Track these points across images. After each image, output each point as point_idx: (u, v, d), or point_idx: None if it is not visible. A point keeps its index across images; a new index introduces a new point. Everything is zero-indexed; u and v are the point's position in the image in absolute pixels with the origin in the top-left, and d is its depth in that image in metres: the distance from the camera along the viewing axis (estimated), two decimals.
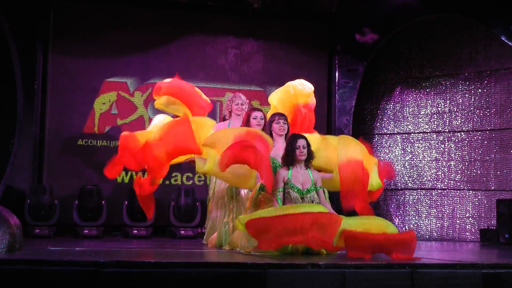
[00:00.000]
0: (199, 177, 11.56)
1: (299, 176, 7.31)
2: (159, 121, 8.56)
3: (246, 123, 8.03)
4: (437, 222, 11.81)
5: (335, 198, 8.63)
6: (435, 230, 11.80)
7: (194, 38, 11.92)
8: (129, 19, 11.66)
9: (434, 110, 12.04)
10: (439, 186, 11.88)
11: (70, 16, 11.37)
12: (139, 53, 11.65)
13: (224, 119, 9.00)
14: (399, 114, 12.33)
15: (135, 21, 11.67)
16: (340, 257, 6.75)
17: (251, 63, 12.15)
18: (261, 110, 8.21)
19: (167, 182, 11.52)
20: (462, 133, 11.78)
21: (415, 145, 12.14)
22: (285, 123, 7.78)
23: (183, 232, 10.44)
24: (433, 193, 11.92)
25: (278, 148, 7.62)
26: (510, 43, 11.12)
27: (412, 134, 12.17)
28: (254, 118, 8.01)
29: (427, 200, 11.96)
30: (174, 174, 11.53)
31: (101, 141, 11.38)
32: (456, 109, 11.86)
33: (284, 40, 12.29)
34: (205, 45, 11.96)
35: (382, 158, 12.30)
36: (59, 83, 11.26)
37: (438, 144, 11.97)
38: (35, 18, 11.10)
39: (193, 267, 5.60)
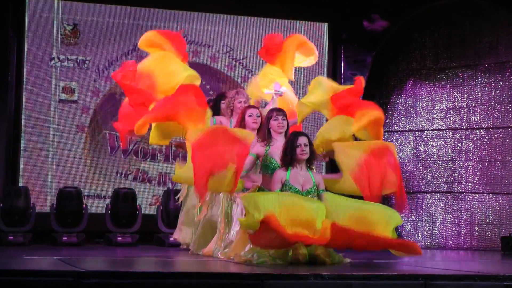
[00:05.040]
0: None
1: (299, 177, 7.31)
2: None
3: (242, 121, 8.09)
4: (454, 228, 11.82)
5: None
6: (451, 238, 11.81)
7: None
8: (112, 2, 11.69)
9: (450, 105, 12.05)
10: (455, 189, 11.89)
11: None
12: (124, 39, 11.67)
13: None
14: (411, 109, 12.33)
15: (119, 4, 11.71)
16: (346, 267, 6.77)
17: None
18: (256, 107, 8.26)
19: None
20: (481, 131, 11.79)
21: (429, 143, 12.15)
22: (284, 119, 7.78)
23: (172, 239, 10.42)
24: (449, 196, 11.93)
25: (277, 147, 7.63)
26: None
27: (425, 131, 12.18)
28: (250, 116, 8.06)
29: (442, 205, 11.97)
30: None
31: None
32: (475, 104, 11.87)
33: (284, 27, 12.30)
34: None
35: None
36: (36, 75, 11.26)
37: (454, 143, 11.97)
38: (7, 2, 11.09)
39: (184, 278, 5.60)
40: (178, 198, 9.28)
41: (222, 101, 8.90)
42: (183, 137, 7.95)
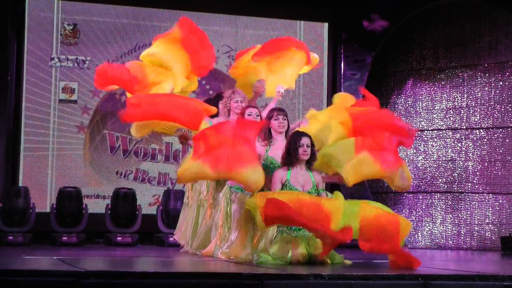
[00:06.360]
0: None
1: (299, 177, 7.29)
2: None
3: None
4: (454, 229, 11.81)
5: None
6: (451, 238, 11.80)
7: None
8: (112, 2, 11.69)
9: (450, 105, 12.04)
10: (455, 189, 11.88)
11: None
12: (124, 40, 11.67)
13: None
14: (411, 109, 12.33)
15: (119, 4, 11.70)
16: (346, 267, 6.76)
17: None
18: (255, 107, 8.24)
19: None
20: (481, 131, 11.78)
21: (429, 143, 12.14)
22: (284, 119, 7.76)
23: (172, 239, 10.41)
24: (449, 196, 11.92)
25: (278, 147, 7.61)
26: None
27: (425, 131, 12.17)
28: (249, 115, 8.02)
29: (442, 205, 11.96)
30: None
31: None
32: (475, 103, 11.86)
33: (284, 27, 12.30)
34: None
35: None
36: (36, 75, 11.26)
37: (454, 143, 11.97)
38: (6, 2, 11.08)
39: (184, 278, 5.59)
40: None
41: (220, 102, 8.88)
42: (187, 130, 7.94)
